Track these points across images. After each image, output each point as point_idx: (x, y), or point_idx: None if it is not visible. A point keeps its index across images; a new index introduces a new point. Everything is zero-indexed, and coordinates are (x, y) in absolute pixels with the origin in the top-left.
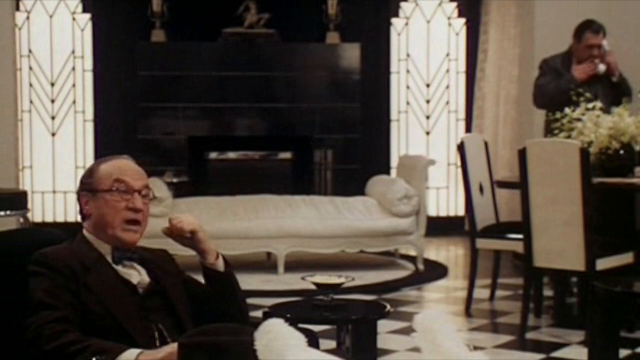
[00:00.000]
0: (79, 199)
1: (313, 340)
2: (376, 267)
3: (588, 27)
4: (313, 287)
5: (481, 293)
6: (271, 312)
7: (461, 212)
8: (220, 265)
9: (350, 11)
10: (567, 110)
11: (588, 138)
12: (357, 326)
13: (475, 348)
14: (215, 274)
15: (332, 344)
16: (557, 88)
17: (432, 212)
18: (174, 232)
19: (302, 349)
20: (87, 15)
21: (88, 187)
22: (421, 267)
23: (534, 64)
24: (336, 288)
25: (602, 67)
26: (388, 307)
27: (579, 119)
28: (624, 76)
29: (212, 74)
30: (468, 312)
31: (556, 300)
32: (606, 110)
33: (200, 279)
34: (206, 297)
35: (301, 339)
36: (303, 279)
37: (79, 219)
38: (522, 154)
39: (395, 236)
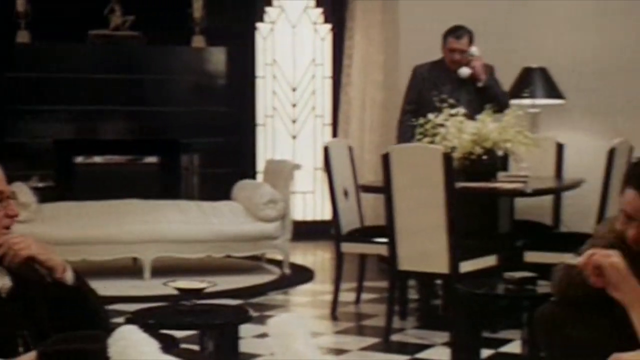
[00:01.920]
0: None
1: (173, 346)
2: (243, 271)
3: (451, 32)
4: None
5: (347, 296)
6: (134, 318)
7: (327, 216)
8: (68, 278)
9: (215, 15)
10: (430, 115)
11: (451, 143)
12: (219, 331)
13: (341, 351)
14: (63, 287)
15: (196, 349)
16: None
17: (299, 216)
18: (5, 260)
19: (155, 355)
20: None
21: None
22: (287, 271)
23: (399, 70)
24: (198, 293)
25: (465, 71)
26: (250, 311)
27: (442, 125)
28: (498, 83)
29: (79, 76)
30: (334, 316)
31: (421, 303)
32: (471, 115)
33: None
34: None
35: (154, 345)
36: (165, 284)
37: None
38: (385, 159)
39: (261, 240)
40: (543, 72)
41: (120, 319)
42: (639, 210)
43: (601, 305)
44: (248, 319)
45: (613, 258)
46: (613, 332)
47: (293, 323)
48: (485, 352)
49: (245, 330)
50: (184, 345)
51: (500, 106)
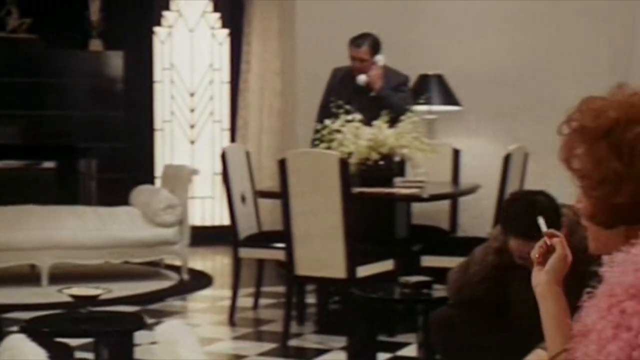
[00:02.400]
0: None
1: (67, 354)
2: (141, 277)
3: (352, 41)
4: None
5: (245, 302)
6: (28, 327)
7: (226, 221)
8: None
9: (113, 19)
10: (327, 121)
11: (348, 149)
12: (114, 338)
13: (239, 357)
14: None
15: (90, 357)
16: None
17: (198, 221)
18: None
19: None
20: None
21: None
22: (186, 277)
23: (296, 76)
24: (93, 300)
25: (362, 79)
26: (146, 318)
27: (338, 131)
28: (404, 94)
29: None
30: (232, 321)
31: (319, 308)
32: (367, 122)
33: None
34: None
35: (42, 354)
36: (60, 291)
37: None
38: (282, 165)
39: (159, 246)
40: (439, 79)
41: (16, 328)
42: (527, 253)
43: (496, 308)
44: (143, 326)
45: (569, 254)
46: (507, 334)
47: (179, 330)
48: (383, 356)
49: (141, 337)
50: (78, 354)
51: (394, 116)
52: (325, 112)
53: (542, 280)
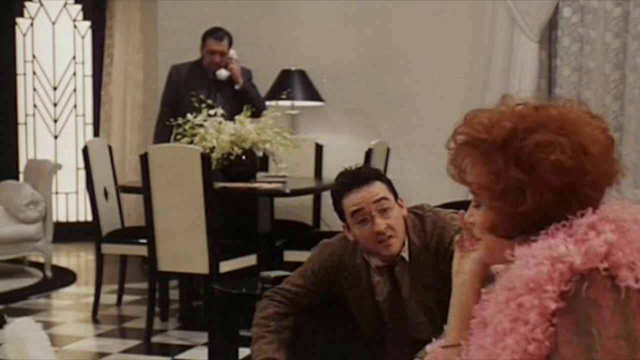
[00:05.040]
0: None
1: None
2: (4, 275)
3: (211, 34)
4: None
5: (110, 298)
6: None
7: (90, 217)
8: None
9: None
10: (189, 116)
11: (210, 144)
12: None
13: (102, 354)
14: None
15: None
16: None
17: (62, 217)
18: None
19: None
20: None
21: None
22: (49, 274)
23: (158, 69)
24: None
25: (223, 73)
26: (5, 317)
27: (201, 125)
28: (256, 87)
29: None
30: (95, 319)
31: (182, 304)
32: (229, 116)
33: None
34: None
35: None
36: None
37: None
38: (144, 159)
39: (22, 243)
40: (302, 74)
41: None
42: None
43: (341, 310)
44: (3, 325)
45: (473, 255)
46: (353, 335)
47: (28, 328)
48: (245, 351)
49: (3, 336)
50: None
51: (256, 109)
52: (170, 110)
53: (467, 269)
